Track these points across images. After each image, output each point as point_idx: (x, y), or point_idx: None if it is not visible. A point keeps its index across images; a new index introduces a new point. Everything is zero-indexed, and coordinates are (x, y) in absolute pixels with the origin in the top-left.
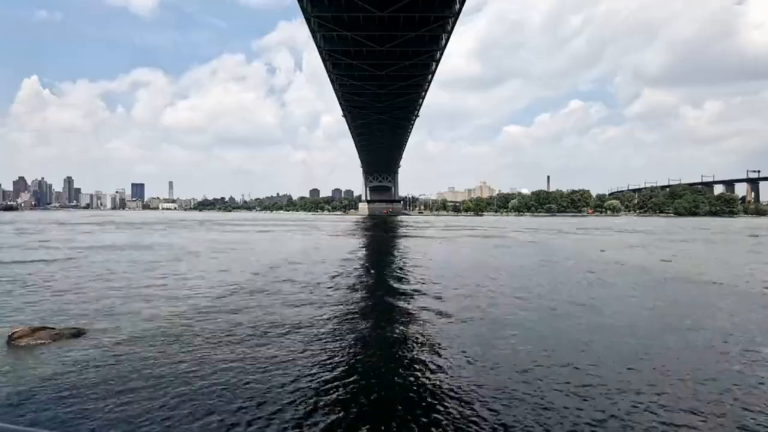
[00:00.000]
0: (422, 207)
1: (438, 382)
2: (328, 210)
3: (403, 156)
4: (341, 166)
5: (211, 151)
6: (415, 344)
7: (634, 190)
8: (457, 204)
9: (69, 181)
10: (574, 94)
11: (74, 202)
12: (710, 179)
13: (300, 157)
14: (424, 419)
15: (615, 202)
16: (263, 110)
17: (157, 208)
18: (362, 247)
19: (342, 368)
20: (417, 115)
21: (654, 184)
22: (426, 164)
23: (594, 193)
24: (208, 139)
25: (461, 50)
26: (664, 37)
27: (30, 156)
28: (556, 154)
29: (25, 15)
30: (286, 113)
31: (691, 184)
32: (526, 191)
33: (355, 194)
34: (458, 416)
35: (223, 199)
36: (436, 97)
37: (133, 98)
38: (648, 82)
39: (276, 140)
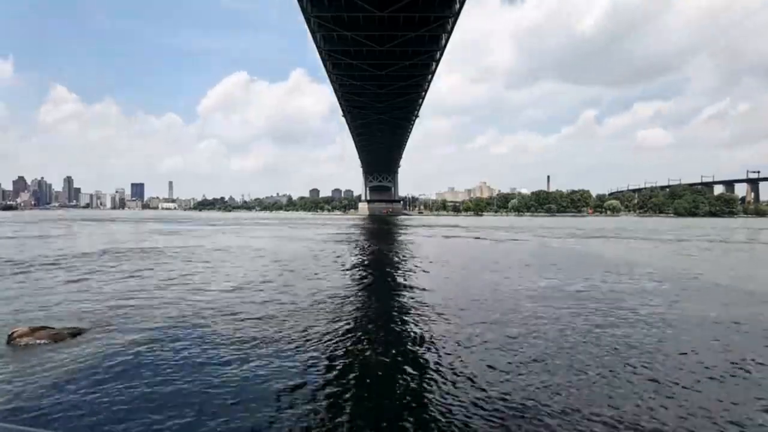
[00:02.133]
0: (422, 207)
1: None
2: (328, 210)
3: (403, 156)
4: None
5: (248, 145)
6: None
7: (633, 191)
8: (457, 204)
9: (69, 180)
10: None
11: (74, 202)
12: (710, 179)
13: (330, 154)
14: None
15: (615, 202)
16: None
17: (156, 208)
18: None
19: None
20: (417, 115)
21: (654, 185)
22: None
23: (594, 193)
24: (254, 132)
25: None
26: None
27: (30, 155)
28: (585, 152)
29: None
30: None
31: (691, 185)
32: (525, 191)
33: (355, 194)
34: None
35: (222, 198)
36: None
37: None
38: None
39: (319, 138)
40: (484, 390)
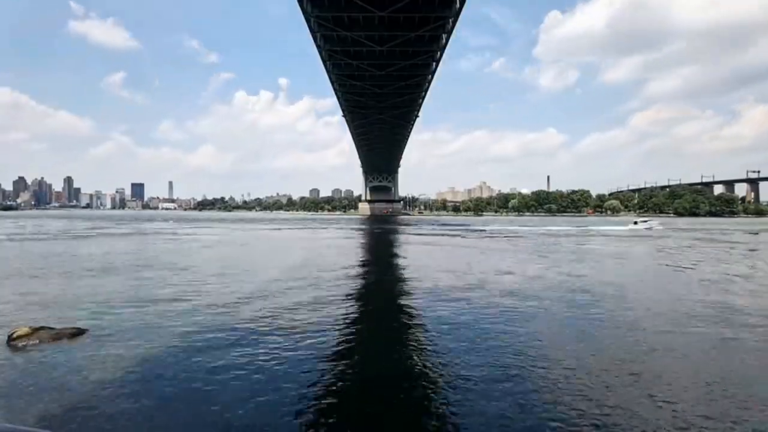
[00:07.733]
0: (422, 207)
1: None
2: (329, 210)
3: (404, 155)
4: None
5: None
6: None
7: (633, 191)
8: (457, 204)
9: (69, 180)
10: None
11: (74, 202)
12: (710, 179)
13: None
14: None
15: (615, 202)
16: None
17: (156, 208)
18: None
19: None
20: (417, 115)
21: (654, 185)
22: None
23: (594, 193)
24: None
25: None
26: None
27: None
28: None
29: None
30: None
31: (691, 185)
32: (525, 191)
33: (355, 194)
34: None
35: (222, 199)
36: None
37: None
38: None
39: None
40: None
